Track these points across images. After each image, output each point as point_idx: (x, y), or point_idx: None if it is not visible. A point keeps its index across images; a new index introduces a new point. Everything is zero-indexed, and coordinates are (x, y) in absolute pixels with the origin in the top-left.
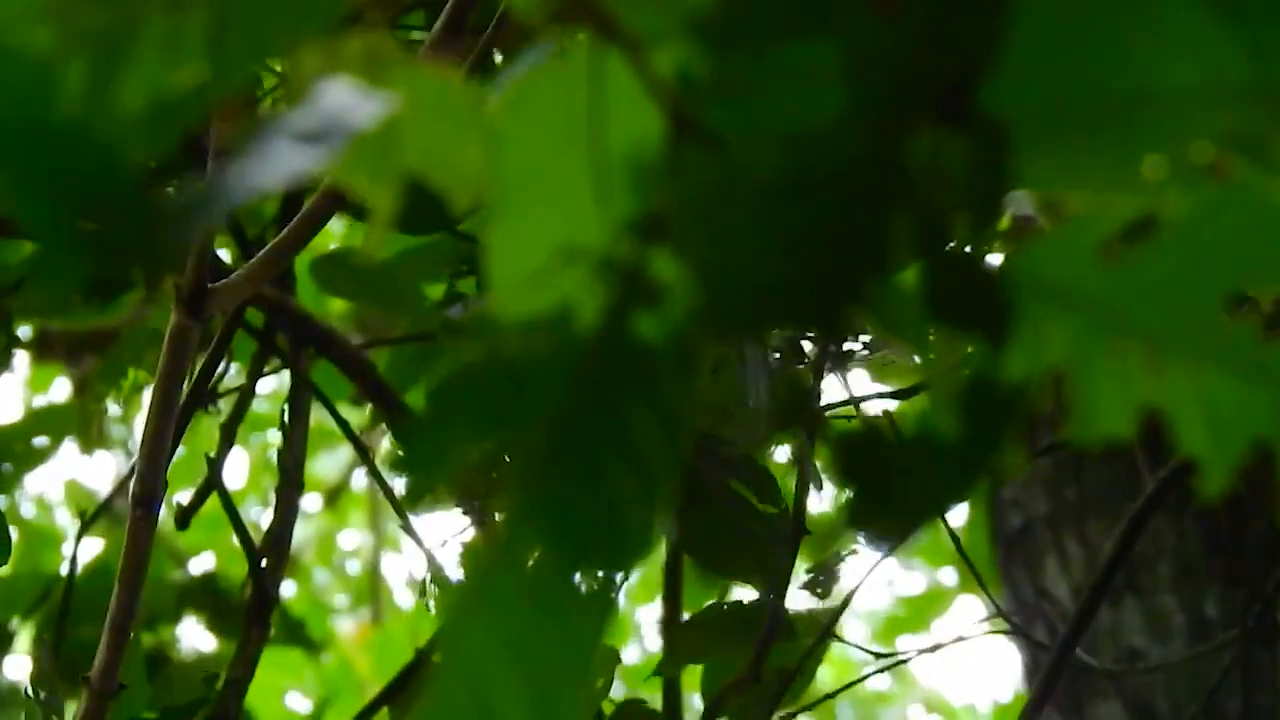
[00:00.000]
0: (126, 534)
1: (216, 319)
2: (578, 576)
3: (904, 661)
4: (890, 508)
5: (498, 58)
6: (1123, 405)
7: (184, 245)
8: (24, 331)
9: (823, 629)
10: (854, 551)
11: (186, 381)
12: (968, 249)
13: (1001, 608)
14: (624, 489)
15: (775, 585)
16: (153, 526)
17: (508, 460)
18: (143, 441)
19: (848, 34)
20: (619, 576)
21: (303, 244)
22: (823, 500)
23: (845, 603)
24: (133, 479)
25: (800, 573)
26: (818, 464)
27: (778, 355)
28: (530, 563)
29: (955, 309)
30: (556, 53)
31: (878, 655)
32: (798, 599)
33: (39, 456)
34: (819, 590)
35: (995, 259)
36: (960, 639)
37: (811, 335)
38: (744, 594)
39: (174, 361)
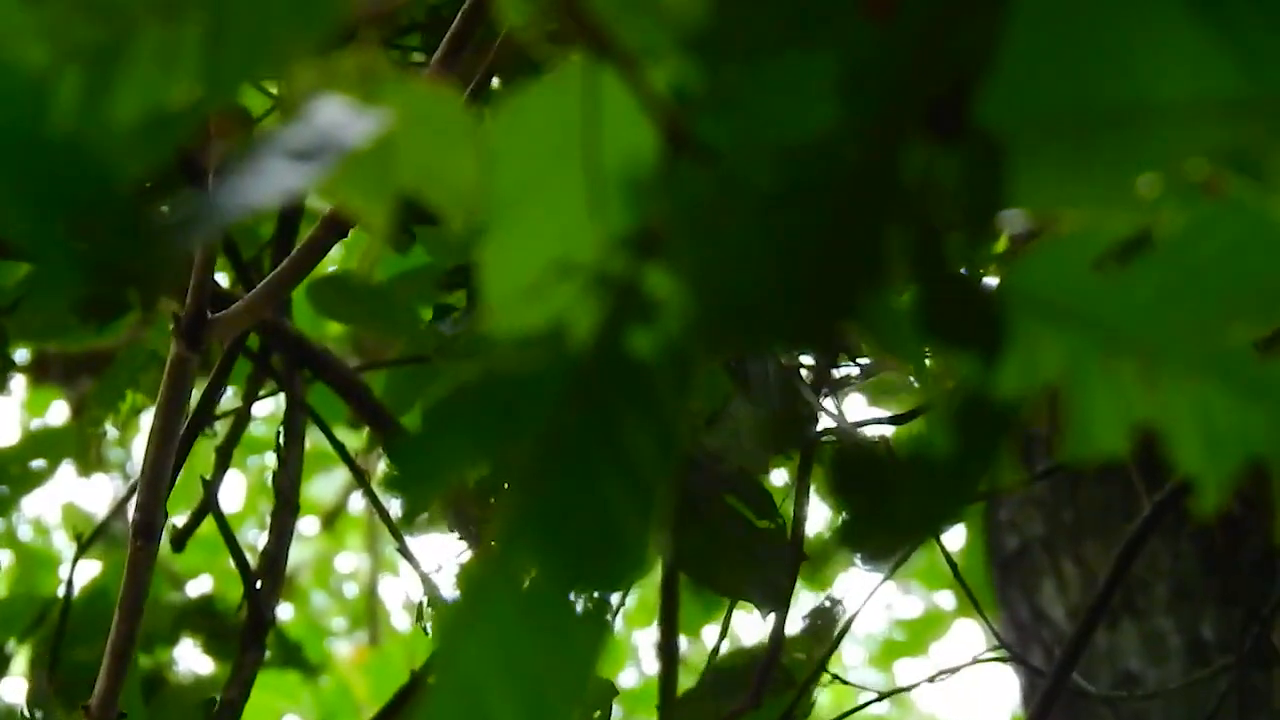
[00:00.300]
0: (127, 563)
1: (216, 346)
2: (573, 594)
3: (905, 690)
4: (885, 525)
5: (494, 78)
6: (1118, 422)
7: (177, 262)
8: (21, 354)
9: (818, 664)
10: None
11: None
12: (962, 264)
13: (999, 634)
14: (619, 504)
15: (774, 615)
16: (153, 556)
17: (503, 478)
18: (143, 471)
19: (842, 46)
20: (615, 594)
21: (304, 274)
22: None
23: (840, 636)
24: (133, 508)
25: (799, 601)
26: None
27: (776, 377)
28: (526, 579)
29: (950, 325)
30: (552, 69)
31: (881, 695)
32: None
33: (36, 479)
34: (819, 632)
35: (990, 278)
36: (959, 669)
37: (809, 355)
38: (741, 615)
39: (173, 392)
